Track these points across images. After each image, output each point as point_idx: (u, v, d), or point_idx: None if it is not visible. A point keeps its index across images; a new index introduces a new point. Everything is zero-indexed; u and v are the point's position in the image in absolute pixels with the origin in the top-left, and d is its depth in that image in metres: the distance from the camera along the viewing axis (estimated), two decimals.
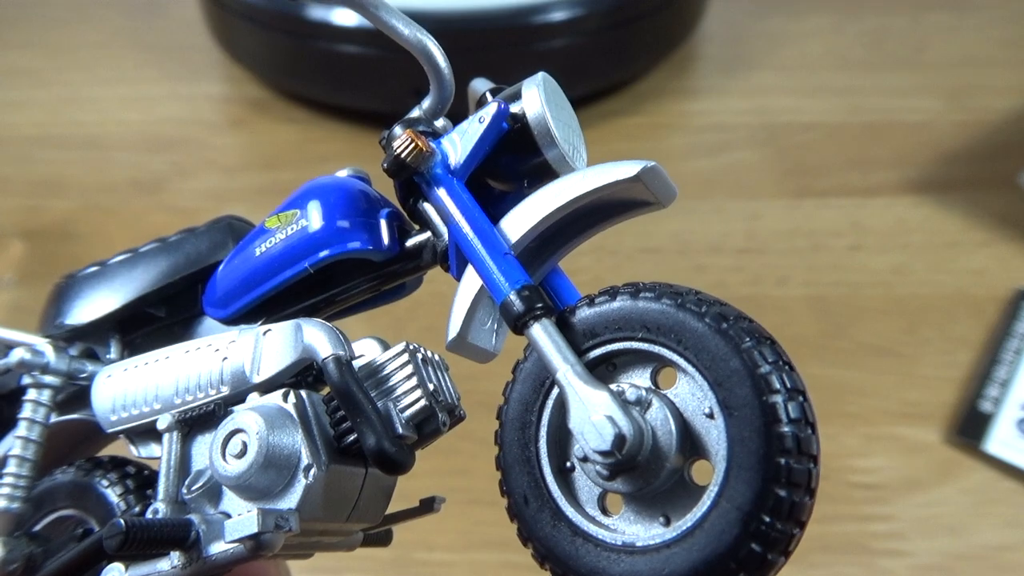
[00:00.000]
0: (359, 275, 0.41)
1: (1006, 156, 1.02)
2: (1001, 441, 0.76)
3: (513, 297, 0.35)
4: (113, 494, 0.41)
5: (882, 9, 1.27)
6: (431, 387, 0.37)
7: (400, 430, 0.36)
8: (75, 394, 0.43)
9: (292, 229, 0.40)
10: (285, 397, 0.38)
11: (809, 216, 0.96)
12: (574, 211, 0.36)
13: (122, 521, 0.34)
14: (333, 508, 0.38)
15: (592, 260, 0.89)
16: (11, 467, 0.41)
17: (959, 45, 1.20)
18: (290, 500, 0.37)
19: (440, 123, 0.41)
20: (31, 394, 0.42)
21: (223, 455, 0.37)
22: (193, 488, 0.38)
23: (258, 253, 0.41)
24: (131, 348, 0.45)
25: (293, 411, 0.38)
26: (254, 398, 0.39)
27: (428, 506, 0.42)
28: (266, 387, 0.39)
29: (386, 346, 0.40)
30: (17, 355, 0.42)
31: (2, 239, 0.93)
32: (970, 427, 0.77)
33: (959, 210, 0.96)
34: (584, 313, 0.35)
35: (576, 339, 0.35)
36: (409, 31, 0.38)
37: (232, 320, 0.42)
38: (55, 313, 0.45)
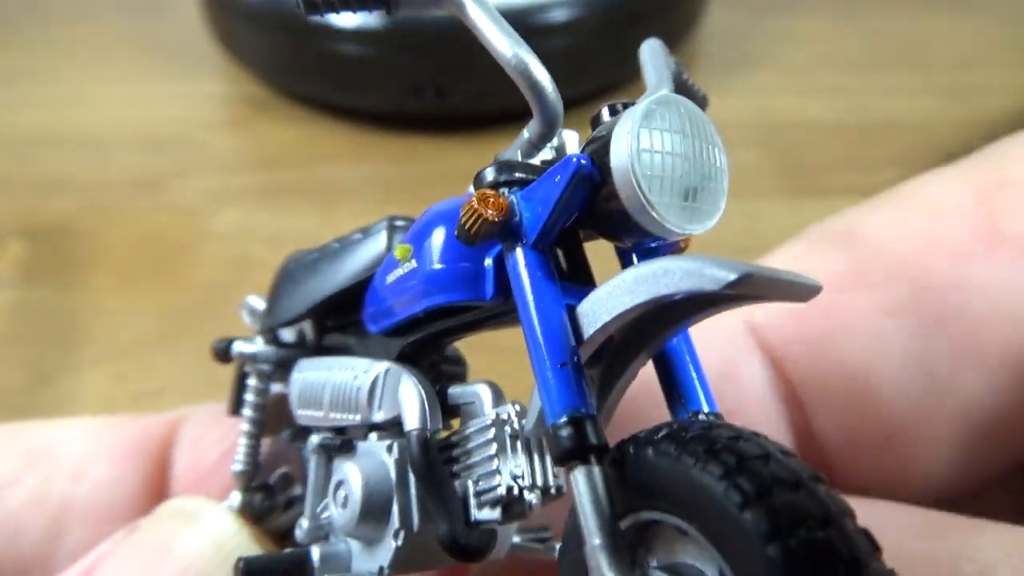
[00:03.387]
0: (477, 314, 0.39)
1: None
2: None
3: (559, 427, 0.30)
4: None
5: (882, 9, 1.27)
6: (515, 470, 0.35)
7: (476, 516, 0.35)
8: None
9: (406, 269, 0.39)
10: (389, 450, 0.39)
11: (809, 216, 0.95)
12: (667, 304, 0.30)
13: (243, 561, 0.39)
14: (433, 558, 0.38)
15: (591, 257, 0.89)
16: (242, 439, 0.51)
17: (959, 45, 1.20)
18: (383, 558, 0.38)
19: (551, 148, 0.36)
20: (251, 380, 0.51)
21: (334, 501, 0.40)
22: (323, 517, 0.42)
23: (388, 282, 0.41)
24: (326, 330, 0.50)
25: (392, 467, 0.39)
26: (373, 437, 0.41)
27: (551, 552, 0.42)
28: (385, 426, 0.41)
29: (498, 394, 0.39)
30: (237, 348, 0.50)
31: (2, 239, 0.93)
32: None
33: None
34: (646, 460, 0.29)
35: (627, 493, 0.30)
36: (511, 49, 0.33)
37: (382, 334, 0.43)
38: (268, 304, 0.52)
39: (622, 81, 1.09)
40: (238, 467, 0.50)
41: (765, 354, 0.44)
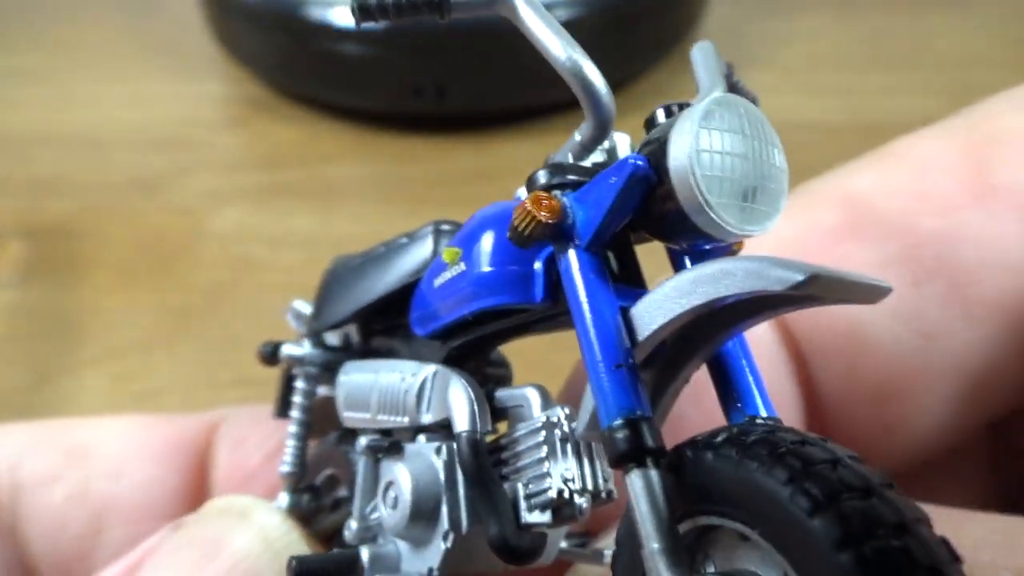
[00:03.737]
0: (526, 317, 0.39)
1: None
2: None
3: (615, 430, 0.30)
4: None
5: (882, 9, 1.27)
6: (565, 474, 0.34)
7: (527, 518, 0.35)
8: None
9: (455, 272, 0.39)
10: (438, 452, 0.39)
11: None
12: (723, 307, 0.30)
13: (295, 560, 0.39)
14: (481, 560, 0.38)
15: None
16: (289, 440, 0.52)
17: (959, 45, 1.20)
18: (432, 559, 0.39)
19: (602, 151, 0.37)
20: (299, 382, 0.52)
21: (384, 502, 0.41)
22: (372, 518, 0.43)
23: (436, 286, 0.41)
24: (372, 333, 0.51)
25: (441, 469, 0.39)
26: (421, 439, 0.42)
27: (598, 557, 0.42)
28: (433, 428, 0.42)
29: (546, 398, 0.39)
30: (286, 351, 0.51)
31: (2, 239, 0.93)
32: None
33: None
34: (705, 464, 0.28)
35: (685, 497, 0.29)
36: (564, 52, 0.33)
37: (430, 337, 0.43)
38: (314, 307, 0.53)
39: (623, 80, 1.09)
40: (286, 468, 0.51)
41: None
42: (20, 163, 1.03)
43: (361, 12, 0.35)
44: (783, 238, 0.44)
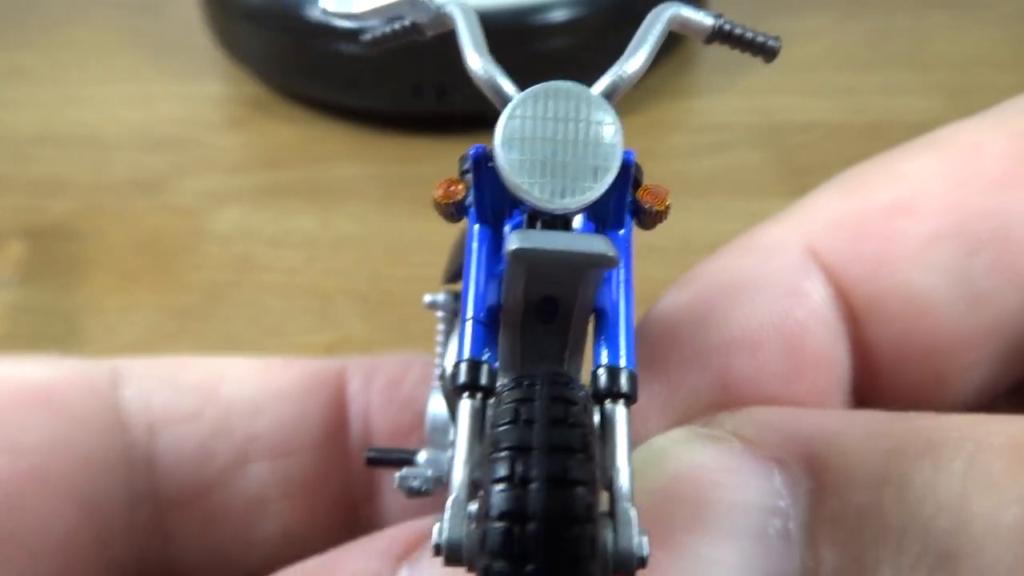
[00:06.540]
0: None
1: None
2: None
3: (457, 366, 0.33)
4: None
5: (883, 9, 1.27)
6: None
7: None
8: None
9: None
10: None
11: None
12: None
13: (371, 450, 0.48)
14: None
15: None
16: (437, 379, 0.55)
17: (960, 45, 1.20)
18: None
19: None
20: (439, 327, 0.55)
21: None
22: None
23: None
24: None
25: None
26: None
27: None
28: None
29: None
30: (425, 299, 0.54)
31: (2, 239, 0.93)
32: None
33: None
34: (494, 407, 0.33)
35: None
36: (481, 65, 0.39)
37: None
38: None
39: None
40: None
41: (825, 274, 0.48)
42: (20, 163, 1.03)
43: (368, 45, 0.42)
44: (843, 213, 0.50)
